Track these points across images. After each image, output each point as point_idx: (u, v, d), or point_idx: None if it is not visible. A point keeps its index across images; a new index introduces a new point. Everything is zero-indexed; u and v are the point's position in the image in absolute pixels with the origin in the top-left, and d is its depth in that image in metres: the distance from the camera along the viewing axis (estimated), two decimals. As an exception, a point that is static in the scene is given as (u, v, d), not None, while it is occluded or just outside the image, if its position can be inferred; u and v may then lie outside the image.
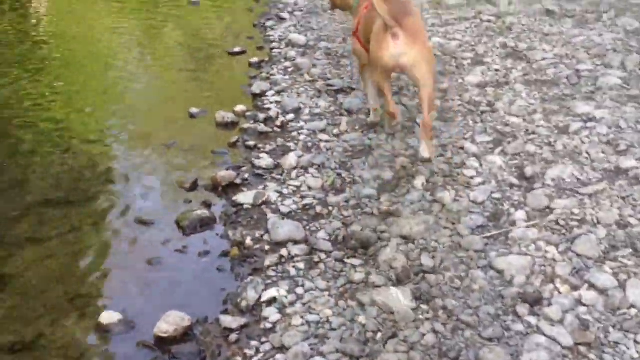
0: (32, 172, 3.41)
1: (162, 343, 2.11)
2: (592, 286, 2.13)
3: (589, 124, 3.20)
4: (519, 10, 4.82)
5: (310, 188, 3.04)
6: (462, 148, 3.18)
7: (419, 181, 2.93)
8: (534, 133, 3.21)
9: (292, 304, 2.20)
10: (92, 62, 5.04)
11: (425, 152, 2.97)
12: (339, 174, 3.13)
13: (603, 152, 2.97)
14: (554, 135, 3.17)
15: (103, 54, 5.16)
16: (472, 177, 2.91)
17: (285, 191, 3.04)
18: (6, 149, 3.66)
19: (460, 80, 3.88)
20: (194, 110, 3.98)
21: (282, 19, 5.52)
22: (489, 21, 4.69)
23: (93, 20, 6.00)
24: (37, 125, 3.96)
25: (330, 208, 2.83)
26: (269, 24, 5.46)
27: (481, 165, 3.01)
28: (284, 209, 2.86)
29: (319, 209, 2.83)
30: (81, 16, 6.19)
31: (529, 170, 2.88)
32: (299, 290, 2.26)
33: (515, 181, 2.85)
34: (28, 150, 3.65)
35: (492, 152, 3.11)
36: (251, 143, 3.55)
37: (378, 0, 2.81)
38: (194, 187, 3.20)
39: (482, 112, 3.49)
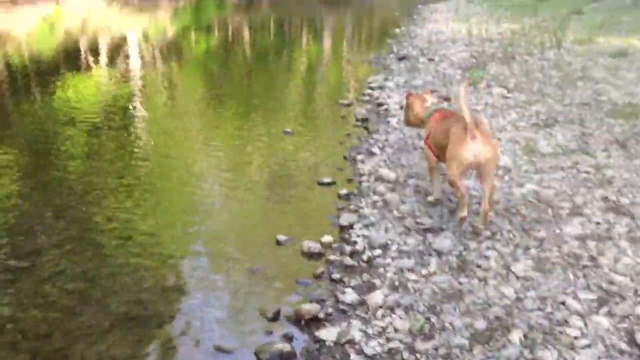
0: (120, 285, 3.45)
1: None
2: None
3: None
4: (619, 163, 4.68)
5: (396, 330, 2.90)
6: (563, 303, 2.96)
7: (516, 335, 2.73)
8: (643, 295, 2.97)
9: None
10: (183, 182, 5.23)
11: (482, 226, 3.76)
12: (428, 318, 2.97)
13: None
14: (667, 300, 2.91)
15: (194, 175, 5.36)
16: (576, 338, 2.68)
17: (370, 331, 2.91)
18: (95, 258, 3.76)
19: (557, 231, 3.71)
20: (281, 237, 3.98)
21: (373, 154, 5.60)
22: (587, 172, 4.56)
23: (188, 143, 6.30)
24: (129, 238, 4.07)
25: (418, 355, 2.66)
26: (359, 157, 5.55)
27: (586, 325, 2.78)
28: (368, 351, 2.71)
29: (405, 354, 2.67)
30: (178, 137, 6.53)
31: (640, 337, 2.64)
32: None
33: (625, 347, 2.60)
34: (118, 263, 3.73)
35: (597, 311, 2.88)
36: (336, 276, 3.48)
37: (465, 108, 3.63)
38: (276, 317, 3.12)
39: (584, 267, 3.28)
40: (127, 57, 12.58)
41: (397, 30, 16.59)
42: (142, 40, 16.14)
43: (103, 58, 12.33)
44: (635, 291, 3.01)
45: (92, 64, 11.35)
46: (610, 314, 2.85)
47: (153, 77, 10.26)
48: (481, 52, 10.63)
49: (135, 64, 11.70)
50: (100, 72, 10.60)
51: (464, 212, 3.82)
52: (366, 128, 6.60)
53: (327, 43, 16.93)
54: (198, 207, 4.66)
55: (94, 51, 13.20)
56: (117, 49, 13.79)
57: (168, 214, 4.55)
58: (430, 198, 4.33)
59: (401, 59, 10.84)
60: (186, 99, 8.69)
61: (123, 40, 15.86)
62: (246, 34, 18.95)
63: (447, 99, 7.37)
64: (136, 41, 15.98)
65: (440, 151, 3.99)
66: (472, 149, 3.63)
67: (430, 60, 10.30)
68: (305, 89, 9.84)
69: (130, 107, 7.94)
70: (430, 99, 4.47)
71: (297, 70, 12.07)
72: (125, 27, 19.50)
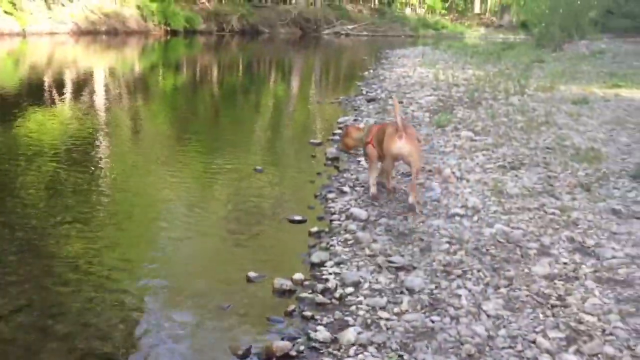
0: (84, 321, 3.36)
1: None
2: None
3: (671, 331, 3.00)
4: (584, 206, 4.81)
5: (369, 368, 2.87)
6: (533, 342, 3.00)
7: (488, 374, 2.73)
8: (611, 334, 3.01)
9: None
10: (150, 218, 5.17)
11: (412, 200, 4.97)
12: (400, 356, 2.97)
13: (690, 364, 2.74)
14: (633, 338, 2.97)
15: (162, 211, 5.31)
16: (546, 376, 2.71)
17: (343, 369, 2.87)
18: (58, 293, 3.66)
19: (526, 270, 3.77)
20: (252, 274, 3.95)
21: (344, 192, 5.63)
22: (553, 214, 4.66)
23: (155, 178, 6.25)
24: (93, 274, 3.99)
25: (392, 393, 2.63)
26: (330, 195, 5.57)
27: (556, 363, 2.81)
28: (341, 389, 2.67)
29: (379, 393, 2.63)
30: (144, 172, 6.48)
31: (609, 375, 2.67)
32: None
33: (595, 386, 2.63)
34: (82, 299, 3.64)
35: (567, 350, 2.92)
36: (308, 313, 3.45)
37: (399, 117, 4.97)
38: (247, 354, 3.08)
39: (553, 306, 3.33)
40: (92, 92, 12.51)
41: (366, 73, 16.90)
42: (109, 76, 16.09)
43: (68, 93, 12.23)
44: (603, 330, 3.06)
45: (57, 99, 11.24)
46: (579, 352, 2.89)
47: (118, 113, 10.18)
48: (448, 96, 10.89)
49: (101, 99, 11.62)
50: (65, 107, 10.49)
51: (390, 185, 5.43)
52: (337, 167, 6.66)
53: (296, 84, 17.14)
54: (166, 243, 4.59)
55: (59, 86, 13.09)
56: (83, 84, 13.72)
57: (134, 250, 4.48)
58: (371, 191, 5.33)
59: (370, 100, 11.03)
60: (153, 135, 8.65)
61: (89, 75, 15.79)
62: (215, 73, 19.07)
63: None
64: (102, 77, 15.92)
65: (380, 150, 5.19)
66: (399, 145, 4.90)
67: (399, 103, 10.49)
68: (275, 128, 9.90)
69: (95, 142, 7.86)
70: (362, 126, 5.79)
71: (267, 109, 12.16)
72: (91, 63, 19.45)
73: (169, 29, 33.50)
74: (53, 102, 10.78)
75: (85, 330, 3.29)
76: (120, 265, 4.14)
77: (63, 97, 11.61)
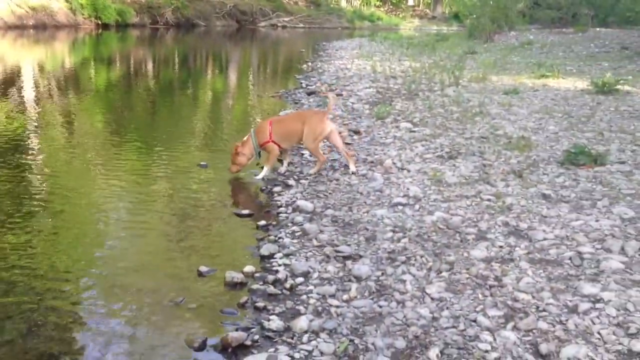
0: (36, 324, 3.35)
1: None
2: None
3: (597, 305, 3.26)
4: (517, 192, 5.09)
5: (322, 353, 3.02)
6: (474, 321, 3.20)
7: (433, 352, 2.92)
8: (544, 310, 3.25)
9: None
10: (92, 219, 5.12)
11: (353, 167, 5.97)
12: (351, 340, 3.11)
13: (614, 334, 3.00)
14: (564, 314, 3.21)
15: (105, 211, 5.26)
16: (487, 351, 2.91)
17: (296, 355, 3.01)
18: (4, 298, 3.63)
19: (465, 254, 3.99)
20: (203, 268, 4.01)
21: (289, 186, 5.74)
22: (489, 200, 4.92)
23: (93, 178, 6.18)
24: (39, 276, 3.95)
25: (345, 376, 2.77)
26: (275, 189, 5.67)
27: (495, 339, 3.01)
28: (297, 374, 2.79)
29: (333, 376, 2.77)
30: (81, 172, 6.39)
31: (543, 348, 2.90)
32: None
33: (531, 358, 2.85)
34: (31, 301, 3.61)
35: (505, 327, 3.13)
36: (261, 304, 3.55)
37: (331, 100, 6.18)
38: (202, 346, 3.15)
39: (491, 287, 3.55)
40: (20, 89, 12.10)
41: (304, 66, 17.02)
42: (38, 72, 15.59)
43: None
44: (537, 307, 3.29)
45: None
46: (516, 328, 3.11)
47: (50, 111, 9.87)
48: (386, 88, 11.15)
49: (30, 96, 11.27)
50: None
51: (318, 169, 6.06)
52: (281, 160, 6.75)
53: (235, 77, 17.08)
54: (112, 242, 4.57)
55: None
56: (10, 80, 13.25)
57: (80, 250, 4.43)
58: (262, 175, 6.05)
59: (310, 93, 11.16)
60: (89, 133, 8.48)
61: (17, 71, 15.26)
62: (151, 67, 18.76)
63: (356, 132, 7.68)
64: (31, 73, 15.41)
65: (286, 140, 6.07)
66: (329, 126, 5.99)
67: (339, 95, 10.67)
68: (217, 122, 9.90)
69: (27, 142, 7.63)
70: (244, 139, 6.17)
71: (207, 104, 12.12)
72: (19, 58, 18.76)
73: (99, 22, 32.62)
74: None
75: (35, 333, 3.27)
76: (67, 267, 4.11)
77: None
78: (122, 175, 6.23)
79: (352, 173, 5.91)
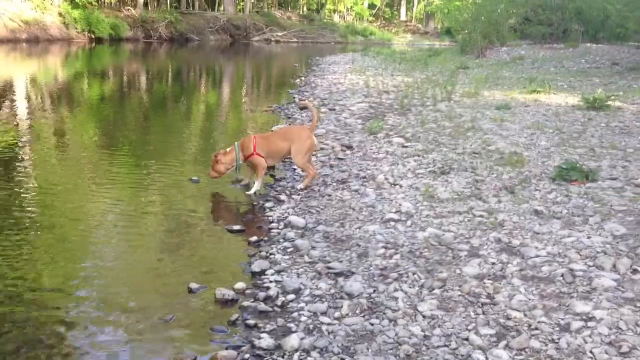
0: (23, 342, 3.31)
1: None
2: None
3: (590, 323, 3.24)
4: (509, 208, 5.09)
5: (313, 373, 2.97)
6: (466, 339, 3.18)
7: (426, 372, 2.89)
8: (536, 329, 3.23)
9: None
10: (81, 235, 5.08)
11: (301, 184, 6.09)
12: (342, 359, 3.07)
13: (606, 353, 2.98)
14: (557, 332, 3.20)
15: (94, 227, 5.21)
16: (479, 371, 2.88)
17: (287, 375, 2.96)
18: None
19: (458, 271, 3.97)
20: (193, 285, 3.97)
21: (281, 201, 5.73)
22: (481, 216, 4.91)
23: (83, 193, 6.14)
24: (23, 293, 3.91)
25: (336, 395, 2.74)
26: (267, 204, 5.65)
27: (487, 358, 2.99)
28: (287, 394, 2.76)
29: (324, 395, 2.73)
30: (71, 187, 6.35)
31: (536, 367, 2.88)
32: None
33: (523, 377, 2.82)
34: (17, 320, 3.57)
35: (497, 345, 3.11)
36: (251, 322, 3.52)
37: (315, 115, 6.34)
38: (192, 365, 3.11)
39: (483, 304, 3.53)
40: (13, 102, 12.07)
41: (297, 80, 17.07)
42: (31, 86, 15.56)
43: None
44: (529, 325, 3.27)
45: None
46: (508, 347, 3.09)
47: (43, 124, 9.82)
48: (379, 103, 11.19)
49: (21, 110, 11.23)
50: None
51: (307, 183, 6.06)
52: (272, 176, 6.74)
53: (228, 92, 17.11)
54: (102, 258, 4.52)
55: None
56: (2, 94, 13.21)
57: (71, 266, 4.37)
58: (253, 190, 6.04)
59: (303, 108, 11.15)
60: (81, 148, 8.43)
61: (9, 85, 15.22)
62: (144, 81, 18.77)
63: (349, 147, 7.68)
64: (24, 86, 15.38)
65: (271, 156, 6.14)
66: (315, 141, 6.15)
67: (331, 110, 10.70)
68: (209, 137, 9.87)
69: (16, 155, 7.58)
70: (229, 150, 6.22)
71: (199, 118, 12.11)
72: (11, 71, 18.74)
73: (93, 36, 32.68)
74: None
75: (24, 349, 3.24)
76: (56, 283, 4.07)
77: (-16, 108, 11.16)
78: (113, 190, 6.19)
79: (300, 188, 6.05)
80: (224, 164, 6.10)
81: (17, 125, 9.59)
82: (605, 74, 15.49)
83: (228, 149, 6.20)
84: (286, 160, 6.80)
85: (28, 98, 13.08)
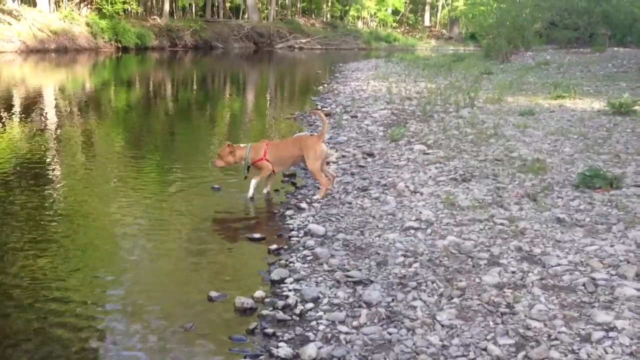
0: (46, 347, 3.37)
1: None
2: None
3: (611, 334, 3.20)
4: (530, 216, 5.04)
5: (330, 382, 2.97)
6: (484, 349, 3.15)
7: (443, 382, 2.87)
8: (556, 339, 3.20)
9: None
10: (106, 240, 5.17)
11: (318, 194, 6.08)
12: (360, 369, 3.07)
13: (628, 364, 2.94)
14: (577, 342, 3.16)
15: (118, 233, 5.30)
16: (497, 382, 2.86)
17: (304, 384, 2.97)
18: (16, 320, 3.66)
19: (477, 280, 3.95)
20: (213, 293, 4.01)
21: (301, 209, 5.75)
22: (502, 224, 4.87)
23: (110, 199, 6.22)
24: (51, 299, 3.98)
25: (352, 405, 2.74)
26: (288, 212, 5.68)
27: (505, 369, 2.97)
28: (304, 403, 2.76)
29: (340, 405, 2.74)
30: (98, 193, 6.45)
31: (555, 378, 2.84)
32: None
33: (542, 388, 2.79)
34: (43, 325, 3.64)
35: (516, 356, 3.08)
36: (269, 330, 3.54)
37: (325, 124, 6.38)
38: (210, 373, 3.13)
39: (502, 314, 3.51)
40: (42, 111, 12.32)
41: (320, 87, 17.11)
42: (59, 95, 15.87)
43: (17, 112, 12.03)
44: (549, 335, 3.24)
45: (5, 118, 11.03)
46: (527, 357, 3.06)
47: (71, 132, 10.08)
48: (401, 109, 11.16)
49: (51, 118, 11.47)
50: (14, 127, 10.33)
51: (323, 194, 6.04)
52: (294, 183, 6.77)
53: (251, 99, 17.23)
54: (125, 264, 4.60)
55: (7, 105, 12.85)
56: (33, 103, 13.49)
57: (94, 272, 4.46)
58: (249, 194, 6.17)
59: (325, 115, 11.18)
60: (107, 155, 8.58)
61: (39, 94, 15.54)
62: (169, 89, 19.00)
63: (370, 155, 7.68)
64: (53, 95, 15.69)
65: (280, 164, 6.26)
66: (325, 149, 6.16)
67: (353, 117, 10.71)
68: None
69: (48, 163, 7.77)
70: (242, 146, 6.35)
71: (223, 125, 12.21)
72: (41, 81, 19.12)
73: (120, 45, 33.19)
74: (1, 122, 10.57)
75: (46, 355, 3.30)
76: (79, 289, 4.14)
77: (11, 116, 11.40)
78: (137, 196, 6.27)
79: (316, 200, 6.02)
80: (233, 157, 6.25)
81: (46, 132, 9.79)
82: (632, 78, 15.26)
83: (242, 145, 6.34)
84: (306, 168, 6.83)
85: (57, 106, 13.34)
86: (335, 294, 3.93)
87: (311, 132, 9.58)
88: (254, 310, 3.82)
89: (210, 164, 6.44)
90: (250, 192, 6.18)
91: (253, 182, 6.21)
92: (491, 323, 3.42)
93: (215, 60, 32.83)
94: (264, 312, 3.77)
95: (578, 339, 3.20)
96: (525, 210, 5.18)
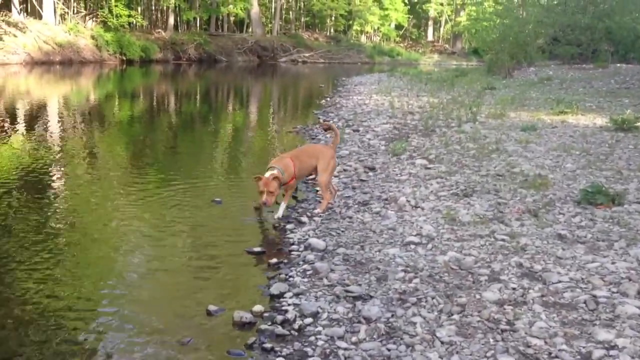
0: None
1: None
2: None
3: (612, 352, 3.17)
4: (531, 232, 5.01)
5: (328, 399, 2.95)
6: (484, 367, 3.13)
7: (442, 400, 2.84)
8: (557, 357, 3.17)
9: None
10: (104, 252, 5.15)
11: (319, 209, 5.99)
12: (358, 386, 3.04)
13: (629, 383, 2.91)
14: (578, 360, 3.13)
15: (116, 245, 5.29)
16: (496, 400, 2.83)
17: (302, 400, 2.94)
18: (14, 331, 3.64)
19: (477, 296, 3.92)
20: (212, 307, 3.99)
21: (302, 223, 5.73)
22: (503, 240, 4.85)
23: (109, 211, 6.21)
24: (47, 310, 3.97)
25: (350, 422, 2.71)
26: (288, 226, 5.66)
27: (505, 387, 2.94)
28: (301, 420, 2.74)
29: (338, 422, 2.71)
30: (98, 204, 6.44)
31: (555, 397, 2.81)
32: None
33: (542, 407, 2.76)
34: (38, 339, 3.62)
35: (516, 373, 3.06)
36: (268, 345, 3.51)
37: (336, 133, 6.45)
38: (207, 388, 3.10)
39: (503, 331, 3.48)
40: (47, 122, 12.35)
41: (323, 101, 17.15)
42: (64, 106, 15.92)
43: (21, 123, 12.06)
44: (550, 353, 3.21)
45: (8, 130, 11.06)
46: (527, 375, 3.03)
47: (73, 143, 10.09)
48: (403, 124, 11.17)
49: (55, 129, 11.51)
50: (18, 138, 10.35)
51: (325, 207, 5.97)
52: (295, 197, 6.76)
53: (254, 112, 17.26)
54: (123, 277, 4.58)
55: (11, 116, 12.90)
56: (37, 114, 13.54)
57: (92, 285, 4.44)
58: (278, 215, 5.92)
59: (327, 129, 11.20)
60: (109, 167, 8.58)
61: (43, 105, 15.60)
62: (173, 102, 19.06)
63: (371, 169, 7.67)
64: (57, 107, 15.75)
65: (299, 177, 6.10)
66: (335, 160, 6.16)
67: (355, 131, 10.72)
68: (233, 158, 9.96)
69: (49, 174, 7.76)
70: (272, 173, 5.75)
71: (225, 139, 12.22)
72: (46, 93, 19.21)
73: (124, 58, 33.38)
74: (4, 133, 10.60)
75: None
76: (77, 302, 4.12)
77: (15, 127, 11.44)
78: (137, 209, 6.26)
79: (317, 214, 5.90)
80: (276, 187, 5.73)
81: (49, 144, 9.80)
82: (635, 94, 15.26)
83: (275, 172, 5.75)
84: (308, 181, 6.83)
85: (61, 118, 13.37)
86: (334, 309, 3.90)
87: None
88: (252, 325, 3.80)
89: (259, 203, 5.89)
90: (280, 213, 5.90)
91: (283, 205, 5.98)
92: (491, 340, 3.39)
93: (219, 74, 32.96)
94: (263, 326, 3.75)
95: (579, 357, 3.17)
96: (527, 226, 5.16)
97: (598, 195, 5.65)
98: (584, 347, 3.24)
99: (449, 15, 62.45)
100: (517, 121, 11.07)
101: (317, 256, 4.84)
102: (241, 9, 43.46)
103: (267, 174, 5.72)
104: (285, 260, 4.87)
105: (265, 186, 5.62)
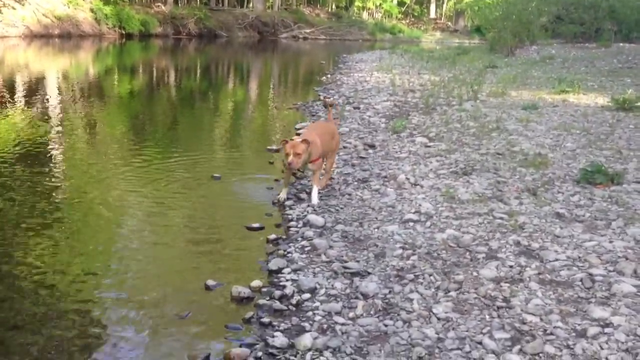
0: (41, 333, 3.38)
1: None
2: None
3: (607, 330, 3.19)
4: (530, 210, 5.02)
5: (325, 372, 2.98)
6: (480, 343, 3.15)
7: (437, 375, 2.87)
8: (552, 334, 3.20)
9: None
10: (104, 227, 5.17)
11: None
12: (355, 360, 3.08)
13: (623, 360, 2.94)
14: (572, 338, 3.15)
15: (116, 220, 5.30)
16: (491, 375, 2.86)
17: (299, 374, 2.98)
18: (12, 305, 3.67)
19: (475, 274, 3.94)
20: (210, 282, 4.01)
21: (301, 199, 5.74)
22: (501, 218, 4.86)
23: (109, 186, 6.22)
24: (47, 285, 3.99)
25: (346, 396, 2.75)
26: (287, 202, 5.67)
27: (500, 363, 2.97)
28: (298, 393, 2.77)
29: (334, 396, 2.74)
30: (98, 180, 6.44)
31: (549, 373, 2.84)
32: None
33: (536, 383, 2.79)
34: (38, 311, 3.64)
35: (511, 350, 3.08)
36: (266, 320, 3.54)
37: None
38: (205, 362, 3.14)
39: (499, 308, 3.50)
40: (45, 96, 12.30)
41: (324, 78, 17.06)
42: (62, 80, 15.84)
43: (19, 97, 12.01)
44: (545, 330, 3.24)
45: (8, 103, 11.02)
46: (522, 352, 3.06)
47: (72, 118, 10.06)
48: (404, 102, 11.13)
49: (54, 103, 11.46)
50: (16, 112, 10.30)
51: (324, 184, 5.93)
52: (294, 174, 6.75)
53: (254, 88, 17.18)
54: (123, 252, 4.60)
55: (10, 90, 12.84)
56: (35, 88, 13.48)
57: (91, 260, 4.46)
58: (281, 195, 5.76)
59: (330, 105, 11.15)
60: (108, 142, 8.57)
61: (42, 79, 15.51)
62: (172, 77, 18.96)
63: (371, 146, 7.66)
64: (56, 80, 15.67)
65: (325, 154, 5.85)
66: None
67: (356, 108, 10.69)
68: (233, 134, 9.94)
69: (48, 149, 7.75)
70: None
71: (225, 115, 12.19)
72: (44, 66, 19.09)
73: (123, 32, 33.12)
74: (3, 106, 10.56)
75: (44, 341, 3.31)
76: (77, 276, 4.15)
77: (13, 101, 11.39)
78: (136, 185, 6.26)
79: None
80: (304, 150, 5.36)
81: (48, 119, 9.77)
82: (637, 74, 15.17)
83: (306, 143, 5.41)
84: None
85: (59, 92, 13.32)
86: (332, 285, 3.93)
87: (313, 122, 9.55)
88: (250, 300, 3.83)
89: (285, 165, 5.53)
90: (315, 199, 5.56)
91: (315, 189, 5.65)
92: (487, 317, 3.42)
93: (219, 49, 32.74)
94: (261, 301, 3.78)
95: (574, 334, 3.19)
96: (525, 205, 5.16)
97: (597, 175, 5.65)
98: (579, 325, 3.27)
99: (451, -8, 61.82)
100: (518, 100, 11.03)
101: (316, 232, 4.85)
102: (242, -16, 43.03)
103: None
104: (284, 236, 4.88)
105: (292, 148, 5.29)
